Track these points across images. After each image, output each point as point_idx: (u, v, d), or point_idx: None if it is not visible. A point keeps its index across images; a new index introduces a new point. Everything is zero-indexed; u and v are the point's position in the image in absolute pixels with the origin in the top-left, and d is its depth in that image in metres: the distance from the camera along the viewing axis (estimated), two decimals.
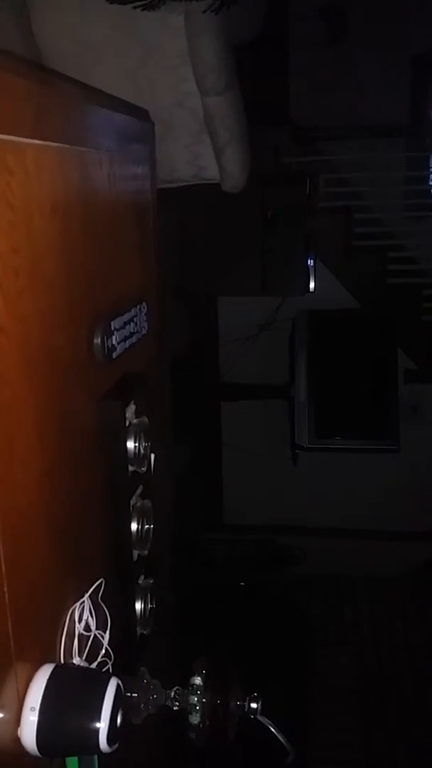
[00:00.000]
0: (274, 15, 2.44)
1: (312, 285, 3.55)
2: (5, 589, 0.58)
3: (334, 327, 3.67)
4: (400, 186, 3.84)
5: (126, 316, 0.88)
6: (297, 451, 3.58)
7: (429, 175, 3.88)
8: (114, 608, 0.79)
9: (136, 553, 0.90)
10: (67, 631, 0.71)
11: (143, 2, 1.50)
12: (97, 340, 0.78)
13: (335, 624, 3.98)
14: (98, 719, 0.63)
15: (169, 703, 0.83)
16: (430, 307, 3.80)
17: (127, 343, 0.87)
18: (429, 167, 3.72)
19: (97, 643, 0.74)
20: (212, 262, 3.45)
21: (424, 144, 3.66)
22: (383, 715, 3.34)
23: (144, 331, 0.96)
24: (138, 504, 0.90)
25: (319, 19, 3.66)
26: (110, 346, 0.80)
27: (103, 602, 0.76)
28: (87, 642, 0.73)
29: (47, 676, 0.64)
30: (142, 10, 1.51)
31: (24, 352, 0.61)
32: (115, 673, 0.69)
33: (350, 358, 3.59)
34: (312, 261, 3.53)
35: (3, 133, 0.56)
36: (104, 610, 0.76)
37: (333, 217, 3.71)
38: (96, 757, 0.73)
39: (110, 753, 0.65)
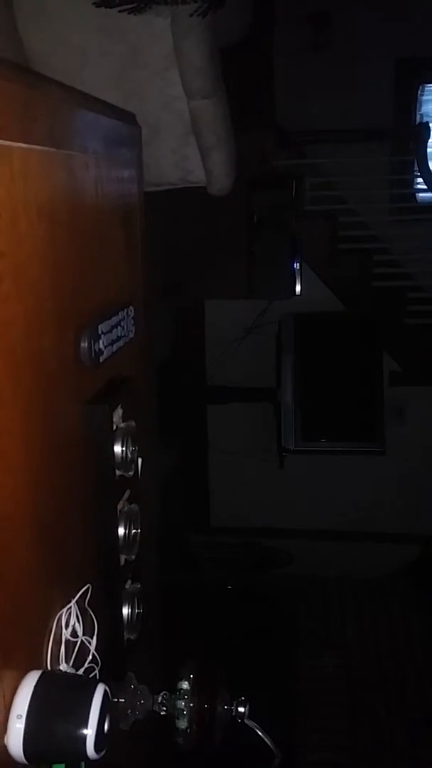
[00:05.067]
0: (260, 19, 2.45)
1: (298, 288, 3.56)
2: None
3: (320, 330, 3.68)
4: (385, 189, 3.87)
5: (113, 320, 0.87)
6: (283, 453, 3.59)
7: (413, 178, 3.91)
8: (101, 614, 0.78)
9: (123, 557, 0.90)
10: (53, 637, 0.70)
11: (129, 6, 1.50)
12: (84, 344, 0.78)
13: (322, 626, 3.99)
14: (85, 726, 0.63)
15: (156, 708, 0.83)
16: (415, 309, 3.83)
17: (114, 347, 0.87)
18: (413, 171, 3.74)
19: (84, 649, 0.74)
20: (199, 265, 3.46)
21: (408, 147, 3.68)
22: (369, 716, 3.35)
23: (131, 335, 0.95)
24: (125, 508, 0.90)
25: (304, 23, 3.68)
26: (97, 350, 0.80)
27: (90, 608, 0.76)
28: (74, 648, 0.73)
29: (34, 683, 0.63)
30: (128, 13, 1.51)
31: (9, 357, 0.61)
32: (102, 679, 0.68)
33: (336, 361, 3.60)
34: (298, 264, 3.54)
35: None
36: (91, 616, 0.76)
37: (318, 221, 3.73)
38: (83, 764, 0.72)
39: (98, 759, 0.65)
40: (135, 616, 0.92)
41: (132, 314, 0.96)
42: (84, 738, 0.62)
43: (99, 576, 0.84)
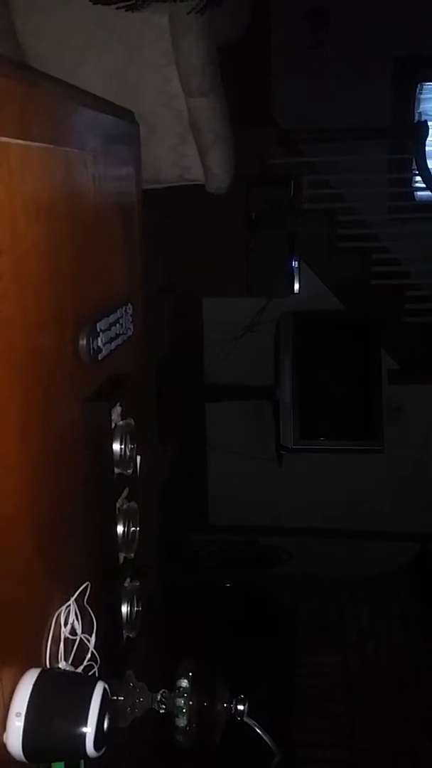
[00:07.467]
0: (258, 17, 2.44)
1: (296, 286, 3.56)
2: None
3: (318, 328, 3.69)
4: (383, 188, 3.87)
5: (112, 318, 0.87)
6: (282, 451, 3.59)
7: (411, 177, 3.91)
8: (100, 612, 0.78)
9: (122, 555, 0.90)
10: (52, 636, 0.70)
11: (127, 3, 1.49)
12: (83, 342, 0.78)
13: (320, 624, 3.99)
14: (85, 724, 0.62)
15: (155, 706, 0.83)
16: (413, 308, 3.83)
17: (113, 345, 0.87)
18: (411, 169, 3.74)
19: (83, 647, 0.74)
20: (197, 263, 3.45)
21: (406, 146, 3.68)
22: (367, 714, 3.35)
23: (130, 333, 0.95)
24: (124, 506, 0.90)
25: (303, 21, 3.67)
26: (96, 347, 0.80)
27: (89, 606, 0.76)
28: (73, 646, 0.73)
29: (33, 681, 0.63)
30: (126, 10, 1.51)
31: (8, 354, 0.60)
32: (102, 677, 0.68)
33: (334, 359, 3.61)
34: (296, 262, 3.54)
35: None
36: (90, 614, 0.76)
37: (317, 219, 3.73)
38: (83, 761, 0.72)
39: (97, 758, 0.64)
40: (134, 614, 0.92)
41: (130, 312, 0.96)
42: (83, 736, 0.62)
43: (98, 574, 0.84)
